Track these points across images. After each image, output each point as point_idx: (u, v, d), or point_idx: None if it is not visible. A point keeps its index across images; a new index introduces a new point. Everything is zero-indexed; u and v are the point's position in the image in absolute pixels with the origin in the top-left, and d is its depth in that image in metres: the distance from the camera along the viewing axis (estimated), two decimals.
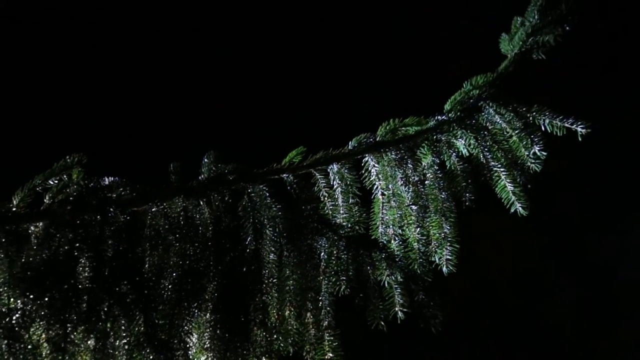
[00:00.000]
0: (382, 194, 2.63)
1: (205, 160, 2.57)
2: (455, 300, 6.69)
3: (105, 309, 2.37)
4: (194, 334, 2.47)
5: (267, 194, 2.54)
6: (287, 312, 2.48)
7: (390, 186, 2.58)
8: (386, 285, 2.50)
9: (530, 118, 2.57)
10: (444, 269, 2.63)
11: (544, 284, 6.84)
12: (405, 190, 2.54)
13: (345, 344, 2.52)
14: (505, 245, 6.79)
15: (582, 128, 2.51)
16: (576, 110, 2.50)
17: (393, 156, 2.56)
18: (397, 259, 2.48)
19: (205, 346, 2.46)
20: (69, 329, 2.34)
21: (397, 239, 2.62)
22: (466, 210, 2.59)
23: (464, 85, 2.69)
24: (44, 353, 2.33)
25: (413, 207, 2.54)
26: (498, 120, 2.59)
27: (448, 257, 2.61)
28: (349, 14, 6.48)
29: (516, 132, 2.55)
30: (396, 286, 2.48)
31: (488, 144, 2.57)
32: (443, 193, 2.56)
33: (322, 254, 2.51)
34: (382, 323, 2.47)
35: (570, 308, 6.74)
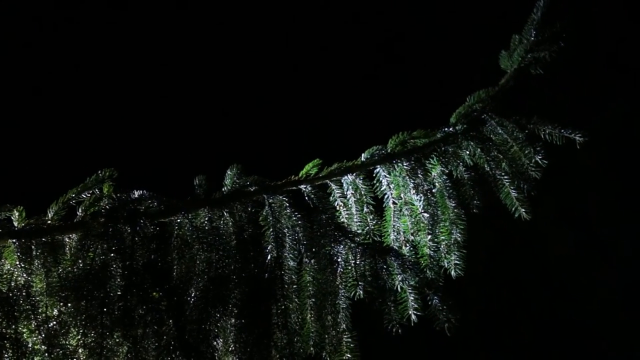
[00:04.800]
0: (394, 203, 2.79)
1: (229, 172, 2.72)
2: (484, 300, 6.74)
3: (138, 315, 2.51)
4: (220, 337, 2.61)
5: (287, 204, 2.69)
6: (308, 316, 2.63)
7: (402, 195, 2.75)
8: (399, 289, 2.66)
9: (531, 128, 2.75)
10: (453, 273, 2.79)
11: (578, 283, 6.78)
12: (417, 199, 2.71)
13: (362, 345, 2.68)
14: (535, 242, 6.81)
15: (580, 137, 2.69)
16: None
17: (405, 166, 2.72)
18: (410, 265, 2.63)
19: (230, 349, 2.60)
20: (104, 334, 2.48)
21: (408, 245, 2.78)
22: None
23: (467, 100, 2.86)
24: (81, 358, 2.47)
25: (425, 214, 2.70)
26: (501, 131, 2.77)
27: (457, 262, 2.77)
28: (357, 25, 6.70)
29: (518, 142, 2.73)
30: (410, 291, 2.63)
31: (492, 154, 2.75)
32: (452, 201, 2.72)
33: (340, 260, 2.67)
34: (397, 326, 2.63)
35: (606, 308, 6.69)
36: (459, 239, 2.70)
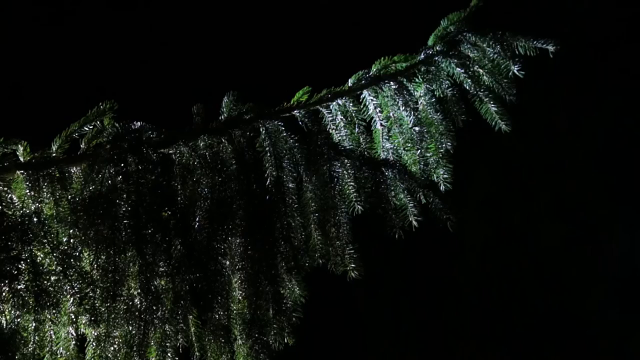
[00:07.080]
0: (381, 125, 2.93)
1: (225, 100, 2.82)
2: (479, 293, 6.85)
3: (148, 234, 2.58)
4: (227, 256, 2.69)
5: (283, 128, 2.81)
6: (313, 230, 2.73)
7: (390, 114, 2.88)
8: (397, 199, 2.79)
9: (506, 43, 2.92)
10: (442, 187, 2.92)
11: (572, 277, 6.93)
12: (407, 115, 2.85)
13: (364, 257, 2.79)
14: (530, 236, 6.95)
15: (552, 46, 2.88)
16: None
17: (393, 86, 2.87)
18: (404, 171, 2.77)
19: (237, 267, 2.68)
20: (116, 254, 2.54)
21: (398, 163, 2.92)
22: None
23: (442, 23, 3.03)
24: (95, 277, 2.52)
25: (416, 128, 2.84)
26: (477, 49, 2.94)
27: (445, 176, 2.91)
28: None
29: (495, 55, 2.90)
30: (409, 198, 2.77)
31: (472, 69, 2.91)
32: (439, 114, 2.87)
33: (338, 177, 2.79)
34: (400, 232, 2.76)
35: (598, 300, 6.84)
36: (449, 148, 2.85)
